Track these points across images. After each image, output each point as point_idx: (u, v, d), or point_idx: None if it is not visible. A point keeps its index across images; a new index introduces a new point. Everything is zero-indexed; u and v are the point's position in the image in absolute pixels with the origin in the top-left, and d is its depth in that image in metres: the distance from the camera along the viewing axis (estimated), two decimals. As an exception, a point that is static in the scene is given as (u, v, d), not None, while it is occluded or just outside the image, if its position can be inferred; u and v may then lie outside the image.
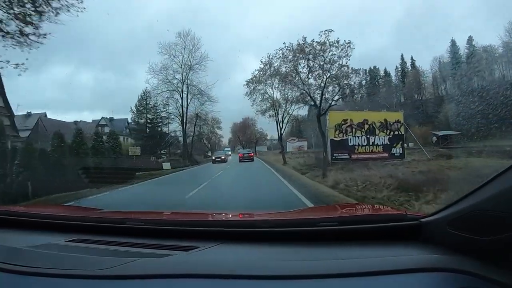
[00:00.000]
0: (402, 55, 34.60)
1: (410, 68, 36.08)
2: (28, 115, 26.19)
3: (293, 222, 1.28)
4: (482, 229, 0.80)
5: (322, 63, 10.14)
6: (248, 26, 45.43)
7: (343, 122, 13.01)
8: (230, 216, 1.67)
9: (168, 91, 23.09)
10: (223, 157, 24.43)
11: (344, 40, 10.09)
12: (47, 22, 7.18)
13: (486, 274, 0.76)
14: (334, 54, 10.07)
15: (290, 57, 10.52)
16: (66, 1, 7.28)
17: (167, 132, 25.14)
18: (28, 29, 7.11)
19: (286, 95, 14.85)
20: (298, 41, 10.31)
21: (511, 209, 0.73)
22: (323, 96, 10.20)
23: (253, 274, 0.85)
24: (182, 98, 23.24)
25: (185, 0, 42.40)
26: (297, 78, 10.74)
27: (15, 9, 7.03)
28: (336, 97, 10.52)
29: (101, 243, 1.14)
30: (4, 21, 7.02)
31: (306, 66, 10.45)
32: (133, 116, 25.37)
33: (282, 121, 18.52)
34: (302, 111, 20.96)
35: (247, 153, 24.49)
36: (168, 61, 22.90)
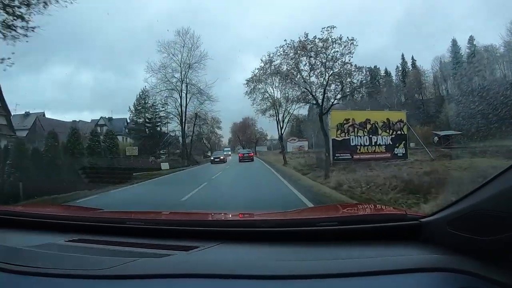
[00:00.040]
0: (402, 55, 34.37)
1: (410, 68, 35.78)
2: (27, 114, 25.98)
3: (293, 222, 1.27)
4: (482, 229, 0.80)
5: (324, 60, 9.81)
6: (248, 26, 45.34)
7: (345, 122, 12.75)
8: (230, 216, 1.66)
9: (167, 90, 22.74)
10: (222, 158, 23.88)
11: (347, 37, 9.81)
12: (37, 14, 6.84)
13: (486, 274, 0.76)
14: (337, 51, 9.75)
15: (291, 54, 10.20)
16: None
17: (166, 131, 24.74)
18: (16, 22, 6.77)
19: (287, 94, 14.54)
20: (299, 38, 9.99)
21: (511, 209, 0.73)
22: (325, 95, 9.86)
23: (253, 274, 0.85)
24: (181, 97, 22.96)
25: (185, 0, 42.11)
26: (298, 76, 10.42)
27: (3, 1, 6.69)
28: (339, 96, 10.18)
29: (101, 243, 1.13)
30: None
31: (308, 64, 10.12)
32: (132, 115, 25.11)
33: (283, 121, 18.30)
34: (302, 110, 20.71)
35: (247, 153, 24.49)
36: (167, 59, 22.69)
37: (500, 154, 11.10)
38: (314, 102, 10.50)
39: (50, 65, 41.22)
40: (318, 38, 9.74)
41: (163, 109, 24.25)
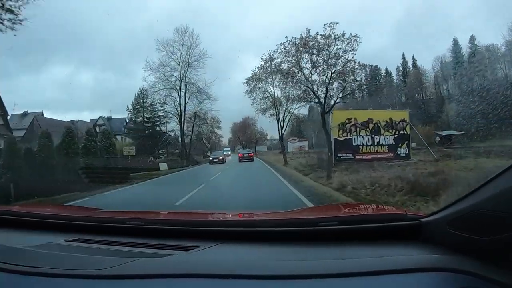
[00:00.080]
0: (403, 55, 34.10)
1: (411, 68, 35.54)
2: (25, 114, 25.72)
3: (293, 222, 1.27)
4: (482, 229, 0.79)
5: (326, 58, 9.51)
6: (248, 26, 45.18)
7: (347, 121, 12.49)
8: (230, 216, 1.66)
9: (165, 89, 22.36)
10: (221, 158, 23.22)
11: (350, 34, 9.48)
12: (27, 6, 6.50)
13: (486, 274, 0.76)
14: (340, 48, 9.43)
15: (292, 51, 9.89)
16: None
17: (165, 131, 24.34)
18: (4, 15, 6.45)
19: (287, 94, 14.24)
20: (301, 34, 9.67)
21: (511, 209, 0.73)
22: (328, 93, 9.54)
23: (253, 274, 0.85)
24: (180, 96, 22.58)
25: (185, 0, 41.84)
26: (299, 74, 10.12)
27: None
28: (342, 94, 9.85)
29: (101, 243, 1.14)
30: None
31: (309, 61, 9.81)
32: (130, 115, 24.70)
33: (283, 120, 17.96)
34: (303, 110, 20.42)
35: (247, 153, 24.42)
36: (166, 58, 22.29)
37: (505, 154, 10.94)
38: (316, 100, 10.18)
39: (50, 65, 41.12)
40: (321, 35, 9.45)
41: (162, 108, 23.93)
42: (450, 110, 23.83)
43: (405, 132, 13.23)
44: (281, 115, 17.94)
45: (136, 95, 24.09)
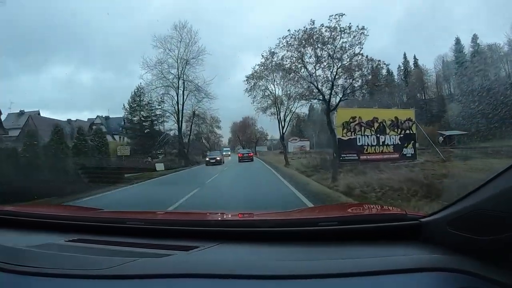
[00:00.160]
0: (404, 54, 33.69)
1: (413, 67, 35.12)
2: (21, 113, 25.18)
3: (293, 222, 1.28)
4: (482, 229, 0.81)
5: (332, 52, 8.94)
6: (248, 26, 44.73)
7: (351, 120, 12.02)
8: (230, 216, 1.65)
9: (163, 87, 21.71)
10: (218, 158, 21.78)
11: (357, 26, 8.89)
12: None
13: (486, 274, 0.77)
14: (346, 42, 8.86)
15: (295, 45, 9.32)
16: None
17: (163, 130, 23.70)
18: None
19: (289, 92, 13.70)
20: (305, 27, 9.08)
21: (511, 209, 0.74)
22: (333, 89, 8.97)
23: (253, 274, 0.86)
24: (177, 95, 21.93)
25: (185, 0, 41.40)
26: (302, 70, 9.55)
27: None
28: (348, 91, 9.27)
29: (101, 243, 1.15)
30: None
31: (313, 56, 9.24)
32: (126, 113, 24.02)
33: (284, 120, 17.39)
34: (305, 108, 19.89)
35: (247, 153, 24.33)
36: (163, 55, 21.61)
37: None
38: (321, 98, 9.63)
39: (50, 65, 40.75)
40: (326, 27, 8.85)
41: (160, 107, 23.22)
42: (452, 110, 23.42)
43: (411, 132, 12.84)
44: (282, 114, 17.42)
45: (133, 93, 23.42)
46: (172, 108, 22.61)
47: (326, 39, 8.93)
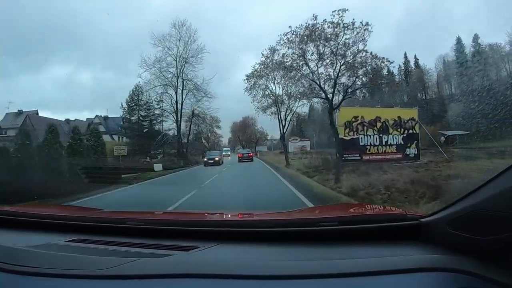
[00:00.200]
0: (405, 54, 33.52)
1: (413, 67, 34.93)
2: (19, 113, 24.93)
3: (292, 222, 1.28)
4: (482, 229, 0.81)
5: (335, 48, 8.64)
6: (249, 25, 44.44)
7: (353, 119, 11.79)
8: (230, 216, 1.65)
9: (161, 86, 21.40)
10: (217, 159, 20.75)
11: (361, 22, 8.59)
12: None
13: (486, 274, 0.77)
14: (349, 38, 8.57)
15: (297, 41, 9.02)
16: None
17: (161, 130, 23.36)
18: None
19: (290, 91, 13.43)
20: (307, 22, 8.77)
21: (511, 209, 0.74)
22: (336, 87, 8.69)
23: (253, 274, 0.87)
24: (176, 94, 21.60)
25: (185, 0, 41.19)
26: (304, 68, 9.26)
27: None
28: (352, 89, 8.98)
29: (101, 243, 1.15)
30: None
31: (315, 53, 8.95)
32: (124, 113, 23.69)
33: (285, 119, 17.10)
34: (306, 108, 19.61)
35: (247, 153, 24.19)
36: (162, 53, 21.26)
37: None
38: (323, 96, 9.33)
39: (50, 65, 40.60)
40: (329, 22, 8.54)
41: (158, 106, 22.88)
42: (454, 110, 23.28)
43: (414, 132, 12.60)
44: (282, 114, 17.11)
45: (131, 92, 23.04)
46: (171, 108, 22.37)
47: (329, 36, 8.67)
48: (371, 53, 8.83)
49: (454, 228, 0.89)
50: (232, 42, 39.92)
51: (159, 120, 23.26)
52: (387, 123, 12.21)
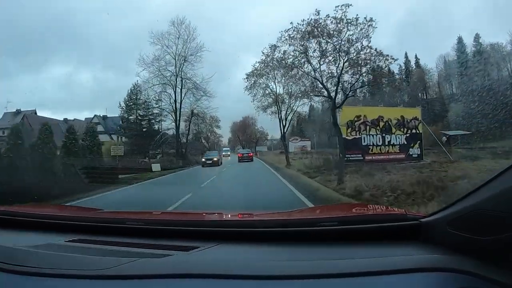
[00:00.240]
0: (406, 54, 33.34)
1: (414, 67, 34.74)
2: (18, 112, 24.75)
3: (292, 222, 1.28)
4: (482, 229, 0.81)
5: (338, 45, 8.38)
6: (249, 24, 44.26)
7: (356, 119, 11.58)
8: (230, 216, 1.65)
9: (160, 85, 21.10)
10: (215, 159, 19.94)
11: (365, 18, 8.32)
12: None
13: (486, 274, 0.78)
14: (352, 34, 8.30)
15: (298, 37, 8.75)
16: None
17: (160, 129, 23.05)
18: None
19: (290, 90, 13.17)
20: (309, 17, 8.49)
21: (511, 209, 0.75)
22: (339, 85, 8.41)
23: (253, 274, 0.87)
24: (175, 93, 21.30)
25: (185, 0, 41.00)
26: (306, 65, 9.01)
27: None
28: (355, 87, 8.71)
29: (101, 243, 1.16)
30: None
31: (318, 50, 8.68)
32: (122, 112, 23.40)
33: (285, 118, 16.83)
34: (306, 107, 19.35)
35: (246, 153, 24.03)
36: (161, 51, 20.99)
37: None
38: (325, 95, 9.08)
39: (50, 65, 40.48)
40: (332, 17, 8.27)
41: (157, 105, 22.58)
42: (455, 110, 23.12)
43: (417, 131, 12.34)
44: (283, 113, 16.84)
45: (129, 91, 22.74)
46: (169, 107, 22.17)
47: (332, 32, 8.42)
48: (375, 49, 8.61)
49: (454, 228, 0.89)
50: (233, 41, 39.73)
51: (157, 120, 23.14)
52: (390, 122, 12.01)
